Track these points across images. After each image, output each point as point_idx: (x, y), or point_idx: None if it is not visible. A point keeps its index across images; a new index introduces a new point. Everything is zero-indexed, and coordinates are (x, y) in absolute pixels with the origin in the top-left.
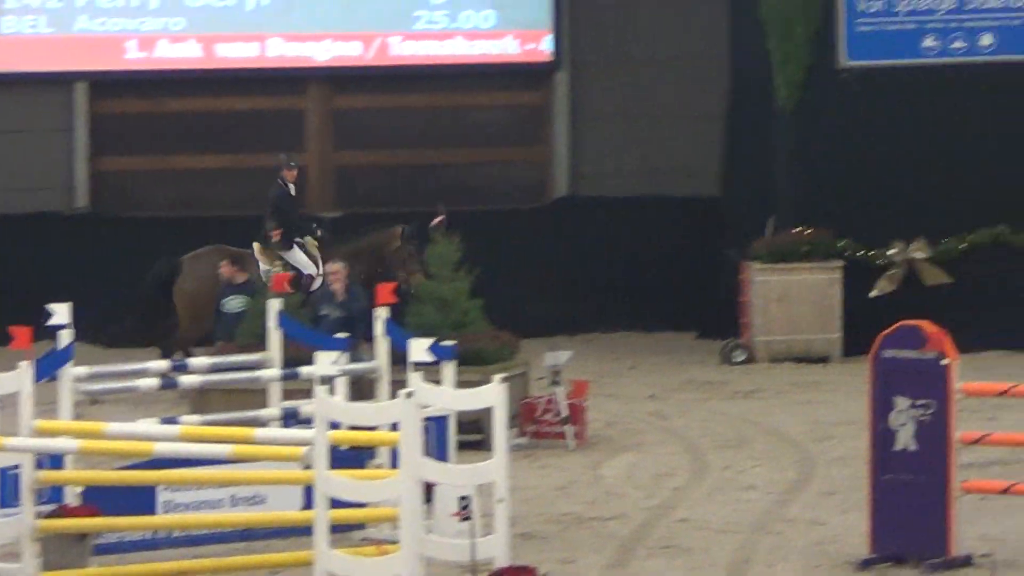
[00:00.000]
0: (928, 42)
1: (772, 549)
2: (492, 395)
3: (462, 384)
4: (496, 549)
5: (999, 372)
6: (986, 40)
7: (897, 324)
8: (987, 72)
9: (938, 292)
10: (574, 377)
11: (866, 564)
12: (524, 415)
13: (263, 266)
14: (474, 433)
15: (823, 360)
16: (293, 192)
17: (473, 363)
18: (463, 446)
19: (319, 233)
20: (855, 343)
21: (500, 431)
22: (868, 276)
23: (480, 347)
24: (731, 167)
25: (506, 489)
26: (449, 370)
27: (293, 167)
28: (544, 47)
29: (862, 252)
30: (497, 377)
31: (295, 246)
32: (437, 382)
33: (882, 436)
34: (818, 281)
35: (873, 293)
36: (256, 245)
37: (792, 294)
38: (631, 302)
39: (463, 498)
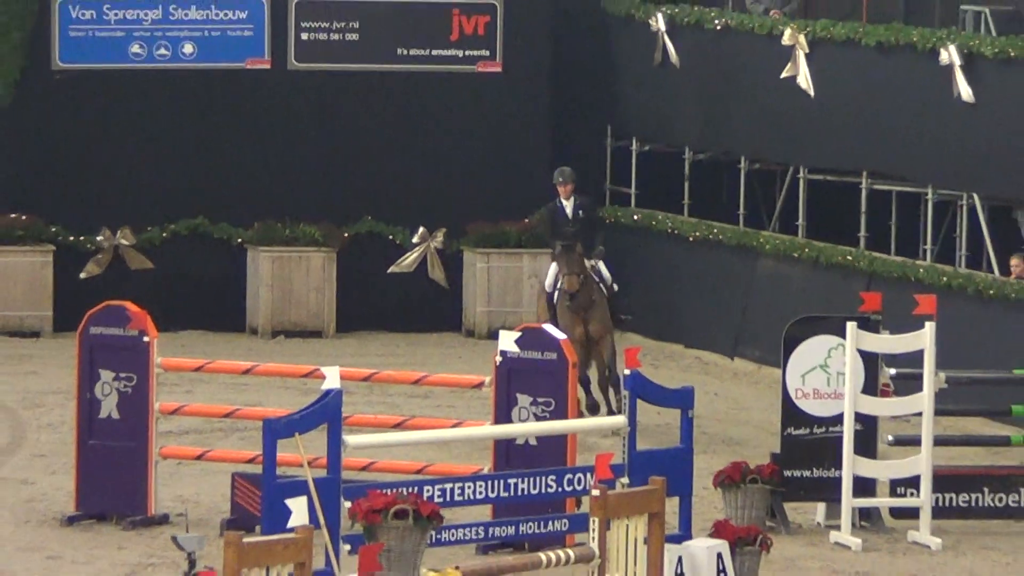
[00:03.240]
0: (135, 48)
1: None
2: None
3: None
4: None
5: (197, 350)
6: (188, 48)
7: (103, 304)
8: (189, 77)
9: (142, 276)
10: None
11: (72, 520)
12: None
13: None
14: None
15: (35, 335)
16: (568, 208)
17: None
18: None
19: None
20: (66, 320)
21: None
22: (79, 260)
23: None
24: None
25: None
26: None
27: (562, 182)
28: None
29: (73, 237)
30: None
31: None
32: None
33: (88, 405)
34: (32, 263)
35: (83, 275)
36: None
37: (7, 274)
38: None
39: None
